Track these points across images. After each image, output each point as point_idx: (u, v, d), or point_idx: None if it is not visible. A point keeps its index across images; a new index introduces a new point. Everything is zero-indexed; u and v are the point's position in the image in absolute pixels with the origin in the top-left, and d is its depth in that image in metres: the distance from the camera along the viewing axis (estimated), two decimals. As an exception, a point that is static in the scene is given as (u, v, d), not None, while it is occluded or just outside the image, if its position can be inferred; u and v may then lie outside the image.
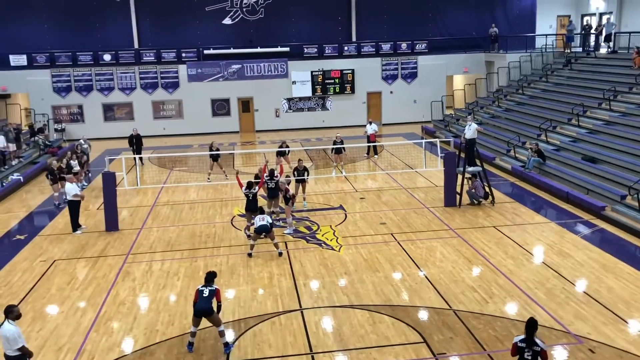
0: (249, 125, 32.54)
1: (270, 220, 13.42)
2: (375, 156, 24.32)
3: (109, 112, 31.48)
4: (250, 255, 13.45)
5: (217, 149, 21.02)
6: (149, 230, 15.81)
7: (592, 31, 28.98)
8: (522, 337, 7.31)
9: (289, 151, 21.35)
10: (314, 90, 32.27)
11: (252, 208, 14.50)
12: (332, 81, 32.30)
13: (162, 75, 31.47)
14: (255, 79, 31.60)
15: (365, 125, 25.45)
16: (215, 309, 9.45)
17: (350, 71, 32.28)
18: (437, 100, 32.43)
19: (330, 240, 14.48)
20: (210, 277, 9.63)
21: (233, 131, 32.14)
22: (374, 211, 16.85)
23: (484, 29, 33.06)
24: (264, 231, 13.29)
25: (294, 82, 32.02)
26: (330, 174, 21.26)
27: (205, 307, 9.33)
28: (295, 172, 17.18)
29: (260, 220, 13.35)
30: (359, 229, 15.31)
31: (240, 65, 31.32)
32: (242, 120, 32.48)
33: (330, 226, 15.54)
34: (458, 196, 16.93)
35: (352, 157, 23.92)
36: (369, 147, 24.25)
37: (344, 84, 32.44)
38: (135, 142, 24.35)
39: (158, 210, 17.75)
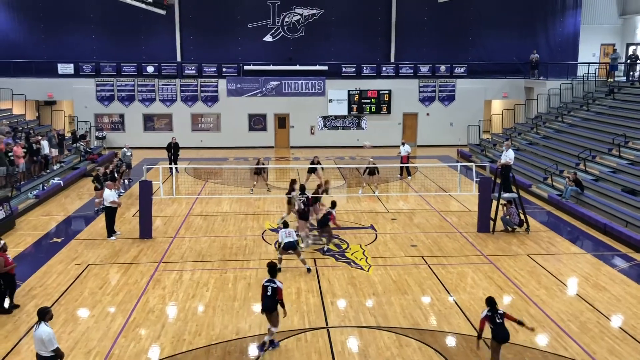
0: (284, 140, 32.79)
1: (296, 237, 13.42)
2: (409, 177, 24.22)
3: (149, 122, 32.16)
4: (279, 269, 13.47)
5: (263, 163, 21.38)
6: (181, 240, 16.01)
7: (638, 61, 28.40)
8: (487, 310, 9.17)
9: (322, 168, 21.43)
10: (349, 109, 32.40)
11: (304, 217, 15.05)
12: (369, 101, 32.39)
13: (202, 88, 32.06)
14: (292, 95, 31.93)
15: (399, 146, 25.41)
16: (278, 306, 9.84)
17: (387, 91, 32.34)
18: (474, 124, 32.16)
19: (360, 260, 14.41)
20: (273, 270, 10.02)
21: (268, 146, 32.42)
22: (405, 233, 16.73)
23: (524, 55, 32.74)
24: (291, 248, 13.31)
25: (330, 100, 32.21)
26: (358, 192, 21.18)
27: (266, 304, 9.79)
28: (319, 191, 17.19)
29: (286, 235, 13.36)
30: (389, 250, 15.20)
31: (278, 82, 31.70)
32: (277, 136, 32.76)
33: (360, 245, 15.48)
34: (492, 222, 16.69)
35: (385, 178, 23.85)
36: (401, 168, 24.18)
37: (380, 104, 32.49)
38: (173, 150, 24.79)
39: (191, 221, 17.97)
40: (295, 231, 13.90)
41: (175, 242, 15.80)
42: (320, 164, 21.65)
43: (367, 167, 21.37)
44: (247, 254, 14.89)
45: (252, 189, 21.21)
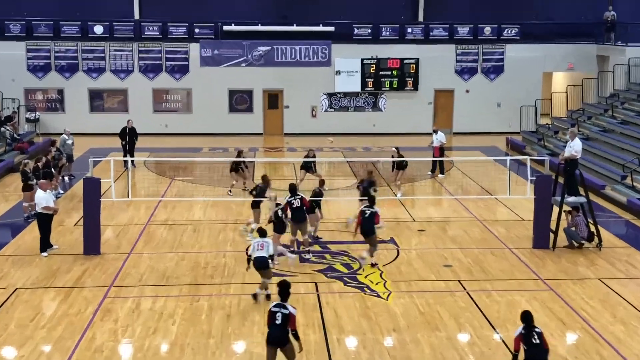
0: (276, 126, 32.88)
1: (271, 252, 13.35)
2: (441, 175, 24.22)
3: (97, 100, 32.25)
4: (268, 296, 13.46)
5: (244, 156, 21.47)
6: (139, 257, 16.01)
7: None
8: (522, 327, 9.80)
9: (314, 164, 21.40)
10: (363, 85, 32.41)
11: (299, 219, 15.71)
12: (389, 73, 32.40)
13: (167, 56, 32.14)
14: (287, 65, 31.97)
15: (430, 134, 25.37)
16: (291, 338, 9.96)
17: (413, 61, 32.34)
18: (529, 104, 32.16)
19: (376, 284, 14.41)
20: (285, 290, 10.20)
21: (255, 133, 32.51)
22: (436, 249, 16.72)
23: (596, 13, 32.70)
24: (261, 267, 13.21)
25: (337, 73, 32.24)
26: (397, 195, 21.15)
27: (274, 335, 9.90)
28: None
29: (258, 248, 13.26)
30: (414, 272, 15.20)
31: (269, 48, 31.74)
32: (267, 120, 32.83)
33: (377, 265, 15.51)
34: (552, 235, 16.69)
35: (411, 175, 23.85)
36: (433, 162, 24.17)
37: (404, 77, 32.49)
38: (128, 137, 24.80)
39: (152, 232, 17.97)
40: (274, 244, 13.95)
41: (132, 260, 15.80)
42: (316, 158, 21.73)
43: (394, 160, 21.38)
44: (227, 275, 14.90)
45: (229, 190, 21.26)
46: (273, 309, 10.02)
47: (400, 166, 21.41)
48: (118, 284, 14.40)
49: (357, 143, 30.53)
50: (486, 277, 14.90)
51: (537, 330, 9.74)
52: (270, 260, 13.37)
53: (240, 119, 32.58)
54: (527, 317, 9.84)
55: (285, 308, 9.97)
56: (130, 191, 21.02)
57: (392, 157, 21.76)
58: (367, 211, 15.24)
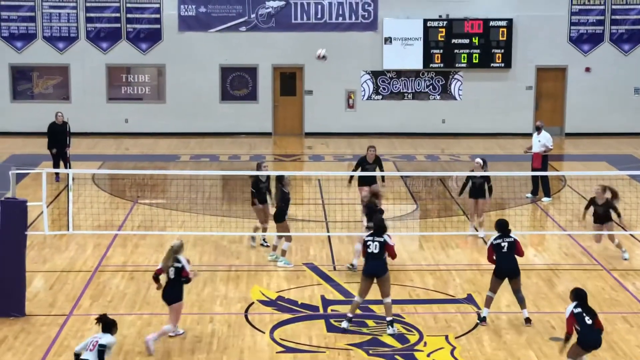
0: (292, 122, 33.15)
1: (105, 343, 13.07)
2: (546, 199, 24.19)
3: (23, 82, 32.66)
4: None
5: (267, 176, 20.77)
6: (83, 321, 15.94)
7: None
8: (574, 303, 12.41)
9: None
10: (427, 59, 32.52)
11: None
12: (466, 42, 32.51)
13: (129, 16, 32.43)
14: (310, 29, 32.23)
15: (529, 136, 25.17)
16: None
17: (504, 22, 32.37)
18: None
19: (446, 367, 14.37)
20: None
21: (260, 132, 32.75)
22: (539, 312, 16.55)
23: None
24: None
25: (387, 41, 32.36)
26: (474, 231, 20.95)
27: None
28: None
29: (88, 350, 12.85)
30: (505, 347, 15.06)
31: (282, 2, 31.89)
32: (279, 112, 33.10)
33: (446, 337, 15.38)
34: None
35: (500, 199, 23.72)
36: (534, 179, 24.08)
37: (490, 48, 32.53)
38: (59, 139, 24.88)
39: (104, 282, 17.95)
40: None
41: (72, 325, 15.74)
42: (380, 162, 21.40)
43: (467, 180, 20.88)
44: (216, 350, 14.84)
45: (252, 238, 20.36)
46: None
47: (481, 191, 20.51)
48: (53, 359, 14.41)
49: (418, 147, 30.44)
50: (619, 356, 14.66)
51: (589, 310, 12.29)
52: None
53: (238, 112, 32.86)
54: (581, 295, 12.39)
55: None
56: (72, 221, 21.10)
57: (470, 174, 20.93)
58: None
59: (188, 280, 15.07)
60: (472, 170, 21.27)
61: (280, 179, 18.99)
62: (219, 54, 32.32)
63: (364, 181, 20.78)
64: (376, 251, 15.05)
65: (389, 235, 15.33)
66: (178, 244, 15.36)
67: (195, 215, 22.73)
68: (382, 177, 21.37)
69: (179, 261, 14.98)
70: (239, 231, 20.62)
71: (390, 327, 15.14)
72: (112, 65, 32.59)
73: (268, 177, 19.82)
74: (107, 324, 12.80)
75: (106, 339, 12.29)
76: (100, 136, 29.79)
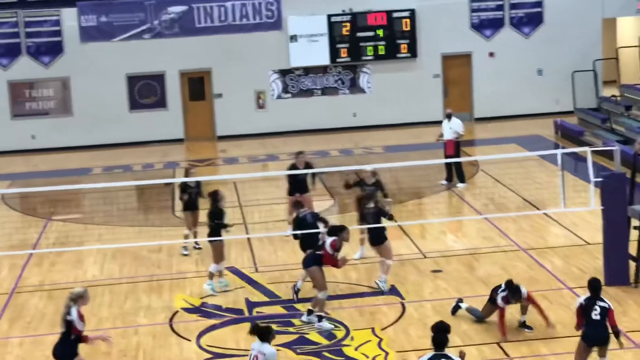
0: (203, 126, 33.10)
1: None
2: (461, 185, 24.45)
3: None
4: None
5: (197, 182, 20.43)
6: (3, 345, 15.81)
7: None
8: (586, 296, 11.73)
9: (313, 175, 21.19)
10: (334, 54, 32.69)
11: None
12: (372, 34, 32.67)
13: (28, 30, 32.08)
14: (215, 32, 32.16)
15: (440, 123, 25.43)
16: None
17: (407, 13, 32.63)
18: (584, 69, 32.56)
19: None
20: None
21: (172, 139, 32.60)
22: (464, 297, 16.69)
23: None
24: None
25: (293, 38, 32.43)
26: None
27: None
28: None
29: None
30: (429, 336, 15.15)
31: (185, 7, 31.81)
32: (189, 118, 33.03)
33: (373, 330, 15.47)
34: (634, 264, 16.81)
35: (416, 188, 23.89)
36: (447, 166, 24.31)
37: (395, 39, 32.74)
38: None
39: (22, 303, 17.79)
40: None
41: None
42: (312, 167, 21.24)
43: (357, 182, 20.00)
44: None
45: (184, 247, 20.24)
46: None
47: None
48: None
49: (330, 143, 30.56)
50: (538, 336, 14.87)
51: (602, 305, 11.47)
52: None
53: (147, 120, 32.68)
54: (595, 285, 11.66)
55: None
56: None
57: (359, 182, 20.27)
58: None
59: (79, 340, 12.69)
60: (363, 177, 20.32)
61: (214, 195, 18.01)
62: (124, 63, 32.09)
63: (295, 190, 20.56)
64: None
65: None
66: (77, 292, 13.19)
67: (112, 227, 22.58)
68: (313, 181, 21.31)
69: (70, 314, 12.75)
70: (158, 240, 20.50)
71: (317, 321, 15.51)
72: (14, 81, 32.20)
73: (198, 182, 19.74)
74: (263, 333, 11.66)
75: (267, 348, 11.20)
76: (7, 155, 29.36)
